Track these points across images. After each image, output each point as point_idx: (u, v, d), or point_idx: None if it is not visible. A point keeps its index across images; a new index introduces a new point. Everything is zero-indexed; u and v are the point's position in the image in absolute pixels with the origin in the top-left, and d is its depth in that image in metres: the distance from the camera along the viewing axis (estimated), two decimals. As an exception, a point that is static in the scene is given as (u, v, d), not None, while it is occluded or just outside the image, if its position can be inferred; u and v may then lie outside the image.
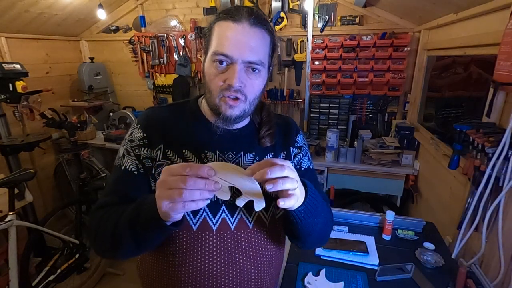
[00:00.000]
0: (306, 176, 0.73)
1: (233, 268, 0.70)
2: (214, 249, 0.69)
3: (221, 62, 0.62)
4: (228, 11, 0.63)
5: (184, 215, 0.61)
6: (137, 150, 0.70)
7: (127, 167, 0.70)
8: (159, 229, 0.56)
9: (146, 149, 0.69)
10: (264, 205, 0.55)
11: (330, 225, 0.77)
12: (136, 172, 0.69)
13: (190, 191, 0.48)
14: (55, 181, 2.90)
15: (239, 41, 0.61)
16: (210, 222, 0.68)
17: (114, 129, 2.94)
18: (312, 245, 0.78)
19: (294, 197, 0.54)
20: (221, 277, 0.69)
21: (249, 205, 0.57)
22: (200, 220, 0.68)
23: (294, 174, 0.54)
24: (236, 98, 0.64)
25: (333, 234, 1.34)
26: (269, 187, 0.51)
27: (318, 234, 0.70)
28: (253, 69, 0.63)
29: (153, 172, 0.69)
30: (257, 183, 0.53)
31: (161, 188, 0.51)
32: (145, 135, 0.70)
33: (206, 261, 0.69)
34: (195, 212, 0.68)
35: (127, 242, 0.60)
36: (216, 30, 0.63)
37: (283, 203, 0.53)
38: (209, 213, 0.68)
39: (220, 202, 0.69)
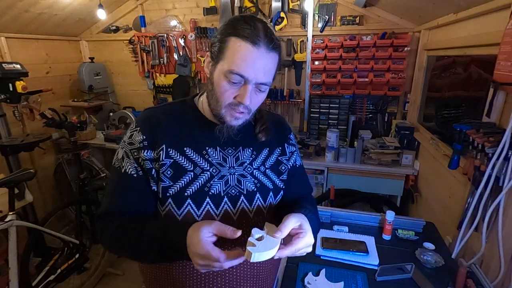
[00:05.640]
0: (301, 172, 0.90)
1: None
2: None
3: (234, 81, 0.64)
4: (247, 31, 0.62)
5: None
6: (136, 153, 0.71)
7: (127, 170, 0.72)
8: (183, 257, 0.63)
9: (146, 151, 0.71)
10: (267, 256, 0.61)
11: (318, 224, 0.83)
12: (135, 175, 0.71)
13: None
14: (55, 181, 2.90)
15: (256, 65, 0.63)
16: (213, 213, 0.72)
17: (114, 129, 2.94)
18: None
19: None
20: None
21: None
22: (204, 212, 0.71)
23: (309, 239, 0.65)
24: (242, 112, 0.68)
25: (333, 234, 1.34)
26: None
27: None
28: (262, 88, 0.68)
29: (153, 173, 0.71)
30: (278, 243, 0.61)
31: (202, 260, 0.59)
32: (144, 137, 0.71)
33: None
34: (199, 205, 0.71)
35: (149, 260, 0.69)
36: (232, 46, 0.63)
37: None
38: (212, 205, 0.72)
39: (222, 194, 0.73)
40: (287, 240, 0.63)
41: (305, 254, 0.66)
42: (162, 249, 0.63)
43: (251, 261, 0.57)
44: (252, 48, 0.62)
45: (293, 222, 0.63)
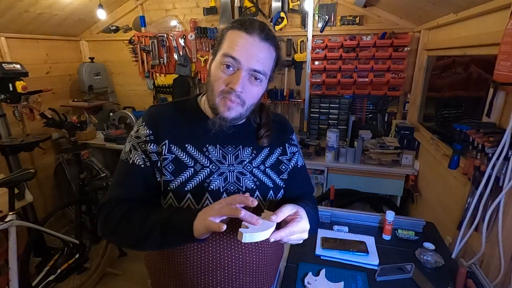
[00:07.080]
0: (303, 172, 0.90)
1: (236, 250, 0.76)
2: (218, 233, 0.73)
3: (228, 66, 0.68)
4: (243, 22, 0.68)
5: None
6: (143, 146, 0.75)
7: (134, 161, 0.75)
8: (188, 241, 0.68)
9: (152, 144, 0.74)
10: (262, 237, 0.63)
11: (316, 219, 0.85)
12: (143, 166, 0.74)
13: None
14: (55, 181, 2.90)
15: (249, 50, 0.67)
16: None
17: (114, 129, 2.94)
18: None
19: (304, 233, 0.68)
20: (225, 258, 0.75)
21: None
22: (203, 207, 0.73)
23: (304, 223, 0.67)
24: (233, 100, 0.69)
25: (333, 234, 1.34)
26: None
27: None
28: (256, 78, 0.69)
29: (158, 165, 0.74)
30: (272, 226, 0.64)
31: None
32: (150, 132, 0.75)
33: (211, 245, 0.75)
34: (198, 200, 0.73)
35: (153, 245, 0.70)
36: (229, 36, 0.69)
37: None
38: (211, 200, 0.74)
39: (221, 190, 0.75)
40: (283, 226, 0.65)
41: (301, 241, 0.68)
42: (169, 226, 0.65)
43: (242, 241, 0.60)
44: (245, 35, 0.66)
45: (289, 209, 0.67)
